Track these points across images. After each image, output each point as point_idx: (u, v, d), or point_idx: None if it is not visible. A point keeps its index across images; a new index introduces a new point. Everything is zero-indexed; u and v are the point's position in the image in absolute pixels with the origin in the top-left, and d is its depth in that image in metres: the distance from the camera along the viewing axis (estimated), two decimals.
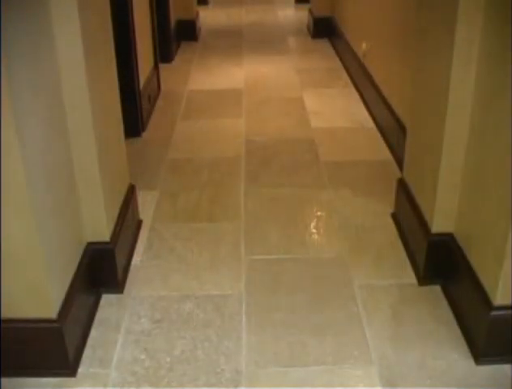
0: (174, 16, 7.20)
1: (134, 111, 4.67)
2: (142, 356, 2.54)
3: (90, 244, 2.82)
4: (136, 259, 3.20)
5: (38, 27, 2.25)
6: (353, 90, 5.73)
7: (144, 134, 4.79)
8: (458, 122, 2.64)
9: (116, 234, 2.93)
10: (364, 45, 5.39)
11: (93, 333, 2.68)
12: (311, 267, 3.12)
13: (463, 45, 2.52)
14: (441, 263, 2.88)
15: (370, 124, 4.90)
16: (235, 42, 7.72)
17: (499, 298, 2.37)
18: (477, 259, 2.57)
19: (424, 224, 2.96)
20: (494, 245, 2.38)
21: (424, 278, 2.95)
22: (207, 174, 4.08)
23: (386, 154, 4.35)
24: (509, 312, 2.39)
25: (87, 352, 2.57)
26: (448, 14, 2.56)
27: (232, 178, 4.03)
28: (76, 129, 2.58)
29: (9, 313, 2.33)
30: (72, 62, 2.47)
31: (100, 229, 2.84)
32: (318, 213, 3.63)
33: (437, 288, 2.91)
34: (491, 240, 2.42)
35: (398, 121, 4.19)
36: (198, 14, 8.13)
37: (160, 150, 4.48)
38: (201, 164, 4.24)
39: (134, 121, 4.64)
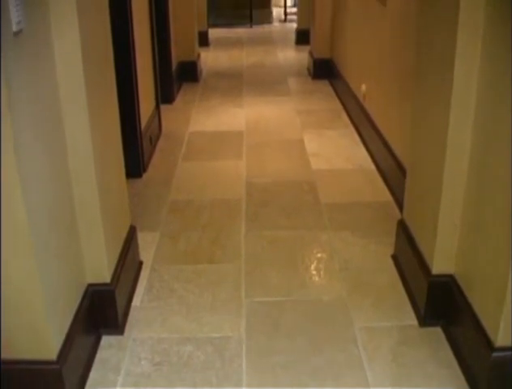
0: (176, 58, 7.28)
1: (136, 152, 4.69)
2: None
3: (90, 285, 2.82)
4: (136, 301, 3.19)
5: (41, 73, 2.28)
6: (353, 131, 5.76)
7: (145, 175, 4.81)
8: (457, 164, 2.66)
9: (116, 276, 2.93)
10: (363, 87, 5.44)
11: (93, 374, 2.66)
12: (311, 309, 3.11)
13: (462, 88, 2.55)
14: (441, 305, 2.87)
15: (370, 165, 4.93)
16: (236, 83, 7.78)
17: (500, 340, 2.36)
18: (478, 300, 2.56)
19: (424, 266, 2.96)
20: (495, 286, 2.38)
21: (424, 319, 2.94)
22: (208, 216, 4.09)
23: (386, 195, 4.36)
24: (510, 353, 2.38)
25: None
26: (446, 57, 2.59)
27: (232, 220, 4.04)
28: (78, 170, 2.60)
29: (9, 354, 2.32)
30: (74, 103, 2.49)
31: (101, 271, 2.83)
32: (318, 255, 3.63)
33: (438, 330, 2.90)
34: (491, 281, 2.42)
35: (398, 162, 4.21)
36: (199, 55, 8.22)
37: (161, 191, 4.50)
38: (201, 205, 4.25)
39: (135, 162, 4.66)
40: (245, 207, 4.22)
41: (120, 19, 4.20)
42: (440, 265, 2.86)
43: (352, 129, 5.83)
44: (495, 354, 2.38)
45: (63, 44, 2.40)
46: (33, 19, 2.17)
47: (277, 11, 13.36)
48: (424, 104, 3.00)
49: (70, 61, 2.43)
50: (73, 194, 2.62)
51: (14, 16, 1.95)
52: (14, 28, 1.96)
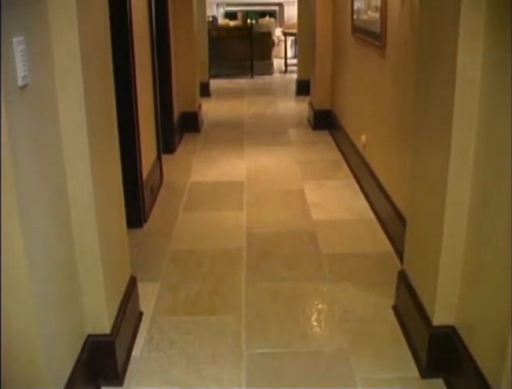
0: (177, 108, 7.36)
1: (137, 202, 4.71)
2: None
3: (90, 336, 2.81)
4: (136, 352, 3.17)
5: (45, 126, 2.31)
6: (353, 181, 5.79)
7: (146, 225, 4.82)
8: (456, 215, 2.67)
9: (116, 326, 2.92)
10: (363, 138, 5.48)
11: None
12: (312, 360, 3.09)
13: (460, 141, 2.57)
14: (443, 356, 2.86)
15: (370, 215, 4.94)
16: (237, 134, 7.84)
17: None
18: (479, 352, 2.55)
19: (425, 317, 2.95)
20: (496, 337, 2.37)
21: (426, 371, 2.92)
22: (208, 266, 4.09)
23: (386, 246, 4.36)
24: None
25: None
26: (445, 111, 2.62)
27: (233, 271, 4.03)
28: (79, 220, 2.62)
29: None
30: (77, 154, 2.52)
31: (101, 321, 2.83)
32: (319, 306, 3.62)
33: (440, 382, 2.88)
34: (492, 332, 2.41)
35: (398, 212, 4.23)
36: (200, 106, 8.30)
37: (162, 241, 4.50)
38: (202, 256, 4.25)
39: (136, 213, 4.67)
40: (246, 257, 4.22)
41: (122, 72, 4.25)
42: (441, 316, 2.85)
43: (352, 179, 5.86)
44: None
45: (67, 97, 2.44)
46: (38, 73, 2.21)
47: (278, 62, 13.52)
48: (423, 156, 3.03)
49: (74, 114, 2.46)
50: (74, 244, 2.63)
51: (20, 71, 1.99)
52: (20, 83, 1.99)
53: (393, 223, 4.34)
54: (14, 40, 1.97)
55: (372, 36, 5.03)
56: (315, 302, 3.66)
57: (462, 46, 2.49)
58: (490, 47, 2.41)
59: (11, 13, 1.97)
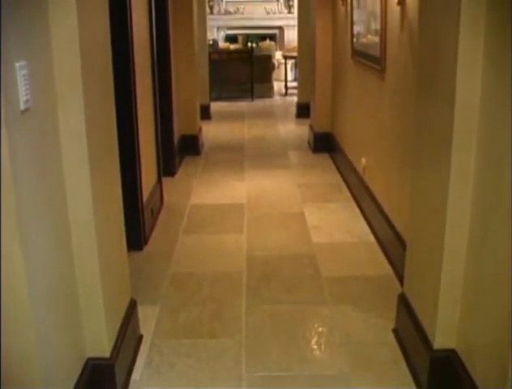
0: (178, 131, 7.38)
1: (137, 225, 4.72)
2: None
3: (90, 359, 2.80)
4: (136, 375, 3.16)
5: (46, 149, 2.32)
6: (353, 204, 5.79)
7: (146, 248, 4.82)
8: (456, 239, 2.68)
9: (116, 350, 2.92)
10: (363, 161, 5.50)
11: None
12: (313, 384, 3.08)
13: (460, 164, 2.58)
14: (444, 380, 2.85)
15: (371, 238, 4.94)
16: (237, 156, 7.86)
17: None
18: (480, 376, 2.54)
19: (426, 340, 2.94)
20: (496, 361, 2.36)
21: None
22: (209, 289, 4.09)
23: (386, 269, 4.36)
24: None
25: None
26: (445, 135, 2.63)
27: (233, 294, 4.03)
28: (79, 243, 2.62)
29: None
30: (77, 177, 2.54)
31: (101, 345, 2.82)
32: (319, 329, 3.61)
33: None
34: (493, 356, 2.41)
35: (398, 235, 4.23)
36: (201, 129, 8.33)
37: (162, 264, 4.50)
38: (202, 278, 4.25)
39: (136, 235, 4.67)
40: (246, 280, 4.21)
41: (124, 95, 4.27)
42: (441, 340, 2.84)
43: (352, 202, 5.86)
44: None
45: (68, 121, 2.45)
46: (40, 96, 2.22)
47: (278, 85, 13.56)
48: (423, 178, 3.04)
49: (74, 137, 2.48)
50: (74, 267, 2.64)
51: (22, 95, 2.00)
52: (22, 107, 2.01)
53: (393, 246, 4.34)
54: (17, 64, 1.98)
55: (372, 60, 5.06)
56: (315, 325, 3.65)
57: (461, 69, 2.50)
58: (489, 69, 2.43)
59: (14, 38, 1.99)
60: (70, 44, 2.41)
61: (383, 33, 4.60)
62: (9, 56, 1.93)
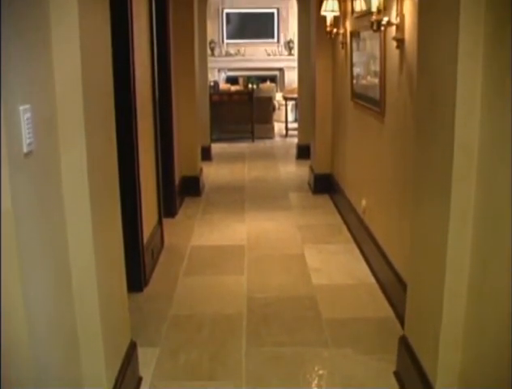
0: (179, 172, 7.41)
1: (137, 266, 4.71)
2: None
3: None
4: None
5: (48, 191, 2.34)
6: (354, 246, 5.79)
7: (146, 289, 4.81)
8: (457, 279, 2.68)
9: None
10: (363, 202, 5.51)
11: None
12: None
13: (460, 207, 2.60)
14: None
15: (371, 280, 4.93)
16: (238, 198, 7.87)
17: None
18: None
19: (427, 382, 2.93)
20: None
21: None
22: (209, 331, 4.07)
23: (387, 310, 4.35)
24: None
25: None
26: (444, 179, 2.65)
27: (233, 336, 4.01)
28: (79, 284, 2.63)
29: None
30: (79, 219, 2.55)
31: (100, 386, 2.81)
32: (320, 372, 3.59)
33: None
34: None
35: (398, 277, 4.22)
36: (201, 170, 8.37)
37: (162, 306, 4.48)
38: (202, 320, 4.23)
39: (136, 276, 4.67)
40: (246, 322, 4.20)
41: (125, 137, 4.30)
42: (443, 382, 2.82)
43: (352, 243, 5.86)
44: None
45: (70, 163, 2.48)
46: (43, 139, 2.24)
47: (278, 126, 13.63)
48: (423, 221, 3.05)
49: (76, 180, 2.50)
50: (74, 308, 2.63)
51: (26, 138, 2.02)
52: (25, 150, 2.03)
53: (393, 287, 4.33)
54: (21, 108, 2.01)
55: (371, 102, 5.10)
56: (316, 368, 3.63)
57: (459, 112, 2.53)
58: (487, 112, 2.45)
59: (19, 81, 2.02)
60: (73, 87, 2.44)
61: (382, 76, 4.65)
62: (13, 100, 1.96)
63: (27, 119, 2.04)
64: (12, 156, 1.92)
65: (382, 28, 4.25)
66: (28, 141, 2.05)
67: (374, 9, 4.17)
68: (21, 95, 2.04)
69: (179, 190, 7.31)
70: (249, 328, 4.12)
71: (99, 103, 2.79)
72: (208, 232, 6.35)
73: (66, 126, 2.44)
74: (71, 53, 2.44)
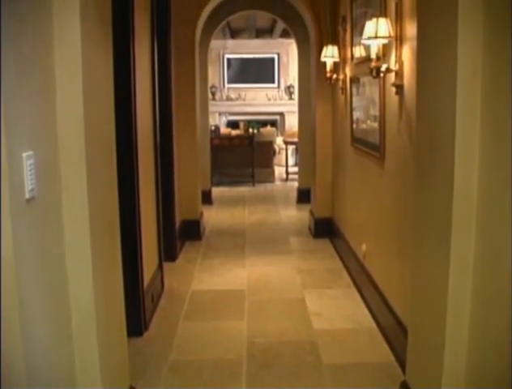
0: (179, 216, 7.43)
1: (137, 310, 4.69)
2: None
3: None
4: None
5: (49, 237, 2.35)
6: (354, 290, 5.78)
7: (146, 334, 4.78)
8: (458, 324, 2.68)
9: None
10: (364, 246, 5.51)
11: None
12: None
13: (460, 253, 2.61)
14: None
15: (372, 324, 4.91)
16: (238, 242, 7.87)
17: None
18: None
19: None
20: None
21: None
22: (208, 376, 4.04)
23: (388, 355, 4.32)
24: None
25: None
26: (443, 222, 2.67)
27: (233, 381, 3.98)
28: (79, 328, 2.63)
29: None
30: (80, 264, 2.57)
31: None
32: None
33: None
34: None
35: (399, 322, 4.21)
36: (202, 214, 8.38)
37: (162, 350, 4.46)
38: (202, 365, 4.21)
39: (136, 320, 4.65)
40: (246, 367, 4.17)
41: (126, 181, 4.33)
42: None
43: (352, 288, 5.85)
44: None
45: (72, 210, 2.50)
46: (45, 185, 2.26)
47: (279, 170, 13.68)
48: (423, 267, 3.06)
49: (78, 225, 2.52)
50: (73, 351, 2.63)
51: (28, 184, 2.04)
52: (27, 196, 2.05)
53: (394, 332, 4.32)
54: (24, 154, 2.03)
55: (371, 147, 5.14)
56: None
57: (458, 161, 2.56)
58: (486, 162, 2.48)
59: (22, 128, 2.05)
60: (75, 133, 2.48)
61: (382, 121, 4.69)
62: (16, 147, 1.98)
63: (30, 165, 2.06)
64: (14, 202, 1.94)
65: (382, 75, 4.30)
66: (30, 187, 2.07)
67: (373, 56, 4.22)
68: (24, 141, 2.07)
69: (179, 234, 7.32)
70: (249, 373, 4.09)
71: (101, 148, 2.82)
72: (209, 277, 6.34)
73: (68, 172, 2.47)
74: (74, 99, 2.48)
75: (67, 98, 2.47)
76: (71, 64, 2.48)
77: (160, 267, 5.77)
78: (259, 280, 6.18)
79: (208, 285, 6.06)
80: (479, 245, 2.55)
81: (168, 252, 6.62)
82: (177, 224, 7.20)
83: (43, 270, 2.26)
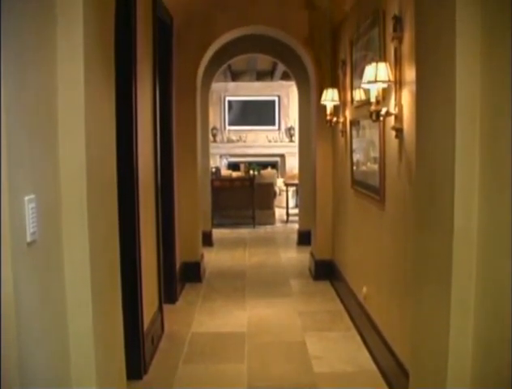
0: (180, 258, 7.42)
1: (137, 353, 4.66)
2: None
3: None
4: None
5: (50, 281, 2.36)
6: (355, 333, 5.75)
7: (145, 377, 4.75)
8: (459, 369, 2.65)
9: None
10: (364, 289, 5.50)
11: None
12: None
13: (460, 295, 2.60)
14: None
15: (372, 368, 4.88)
16: (238, 284, 7.85)
17: None
18: None
19: None
20: None
21: None
22: None
23: None
24: None
25: None
26: (443, 264, 2.67)
27: None
28: (78, 372, 2.62)
29: None
30: (80, 310, 2.56)
31: None
32: None
33: None
34: None
35: (400, 365, 4.18)
36: (203, 256, 8.37)
37: None
38: None
39: (136, 364, 4.62)
40: None
41: (127, 222, 4.33)
42: None
43: (353, 330, 5.82)
44: None
45: (73, 251, 2.50)
46: (46, 229, 2.27)
47: (279, 212, 13.70)
48: (424, 309, 3.04)
49: (78, 268, 2.53)
50: None
51: (29, 227, 2.05)
52: (28, 239, 2.06)
53: (395, 375, 4.29)
54: (26, 198, 2.05)
55: (371, 190, 5.15)
56: None
57: (458, 204, 2.56)
58: (486, 205, 2.49)
59: (24, 171, 2.06)
60: (77, 177, 2.50)
61: (382, 164, 4.71)
62: (19, 190, 2.00)
63: (32, 209, 2.08)
64: (15, 245, 1.95)
65: (381, 118, 4.33)
66: (32, 230, 2.08)
67: (373, 99, 4.26)
68: (27, 185, 2.08)
69: (180, 276, 7.30)
70: None
71: (103, 191, 2.84)
72: (209, 319, 6.31)
73: (69, 215, 2.48)
74: (76, 142, 2.50)
75: (70, 141, 2.49)
76: (74, 108, 2.51)
77: (160, 309, 5.75)
78: (260, 323, 6.15)
79: (208, 328, 6.03)
80: (480, 288, 2.55)
81: (169, 294, 6.60)
82: (178, 266, 7.19)
83: (43, 313, 2.25)
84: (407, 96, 4.01)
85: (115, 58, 3.20)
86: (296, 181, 12.61)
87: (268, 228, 12.59)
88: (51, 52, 2.44)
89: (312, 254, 8.37)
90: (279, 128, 17.96)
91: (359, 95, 5.69)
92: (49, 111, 2.40)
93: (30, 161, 2.13)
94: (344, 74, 6.61)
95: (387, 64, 4.20)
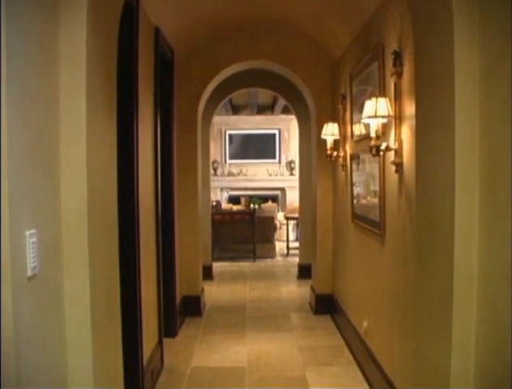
0: (180, 292, 7.40)
1: (136, 387, 4.63)
2: None
3: None
4: None
5: (49, 313, 2.35)
6: (355, 367, 5.72)
7: None
8: None
9: None
10: (365, 323, 5.48)
11: None
12: None
13: (461, 331, 2.60)
14: None
15: None
16: (239, 318, 7.81)
17: None
18: None
19: None
20: None
21: None
22: None
23: None
24: None
25: None
26: (444, 301, 2.66)
27: None
28: None
29: None
30: (79, 343, 2.56)
31: None
32: None
33: None
34: None
35: None
36: (203, 289, 8.35)
37: None
38: None
39: None
40: None
41: (127, 257, 4.34)
42: None
43: (354, 365, 5.79)
44: None
45: (73, 286, 2.51)
46: (47, 263, 2.28)
47: (280, 246, 13.69)
48: (425, 345, 3.03)
49: (78, 303, 2.53)
50: None
51: (30, 262, 2.06)
52: (29, 273, 2.06)
53: None
54: (27, 233, 2.05)
55: (372, 224, 5.16)
56: None
57: (458, 240, 2.57)
58: (486, 242, 2.49)
59: (25, 206, 2.07)
60: (78, 213, 2.51)
61: (382, 198, 4.72)
62: (20, 225, 2.00)
63: (33, 243, 2.08)
64: (15, 280, 1.95)
65: (381, 153, 4.35)
66: (32, 265, 2.08)
67: (373, 134, 4.28)
68: (28, 219, 2.09)
69: (180, 310, 7.27)
70: None
71: (103, 226, 2.84)
72: (209, 354, 6.27)
73: (70, 250, 2.49)
74: (78, 177, 2.51)
75: (71, 175, 2.51)
76: (76, 143, 2.53)
77: (160, 343, 5.73)
78: (260, 358, 6.11)
79: (208, 362, 6.00)
80: (480, 324, 2.54)
81: (169, 328, 6.58)
82: (178, 300, 7.17)
83: (43, 348, 2.25)
84: (406, 131, 4.03)
85: (117, 92, 3.23)
86: (296, 215, 12.62)
87: (269, 261, 12.57)
88: (54, 88, 2.46)
89: (312, 289, 8.34)
90: (280, 161, 18.01)
91: (359, 129, 5.72)
92: (50, 145, 2.42)
93: (31, 195, 2.14)
94: (344, 109, 6.65)
95: (387, 99, 4.22)
